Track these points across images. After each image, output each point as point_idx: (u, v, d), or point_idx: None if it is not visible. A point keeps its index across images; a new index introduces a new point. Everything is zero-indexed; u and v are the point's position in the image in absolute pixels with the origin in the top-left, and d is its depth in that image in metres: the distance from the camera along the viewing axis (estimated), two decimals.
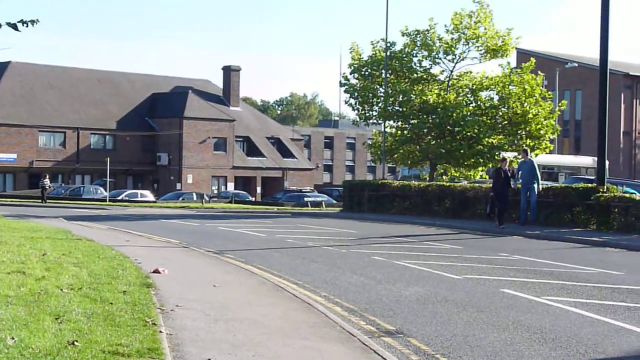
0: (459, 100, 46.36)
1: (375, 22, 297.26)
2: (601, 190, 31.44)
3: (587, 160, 63.25)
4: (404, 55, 47.97)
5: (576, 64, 73.34)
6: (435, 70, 48.88)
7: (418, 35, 47.79)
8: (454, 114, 44.88)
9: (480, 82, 47.27)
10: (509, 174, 32.11)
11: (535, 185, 32.34)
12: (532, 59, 47.90)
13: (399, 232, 30.89)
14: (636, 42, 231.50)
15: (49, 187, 65.24)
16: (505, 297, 14.87)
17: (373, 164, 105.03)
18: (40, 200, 61.29)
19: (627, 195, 31.60)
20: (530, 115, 45.06)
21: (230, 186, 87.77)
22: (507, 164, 33.01)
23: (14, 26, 9.96)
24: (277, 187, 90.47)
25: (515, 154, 45.95)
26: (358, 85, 49.18)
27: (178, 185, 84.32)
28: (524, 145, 45.48)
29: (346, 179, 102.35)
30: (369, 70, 49.12)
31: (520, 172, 32.67)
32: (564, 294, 15.42)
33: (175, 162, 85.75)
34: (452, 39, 47.17)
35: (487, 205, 33.88)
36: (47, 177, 65.95)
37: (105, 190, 68.82)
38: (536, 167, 32.85)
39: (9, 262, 15.78)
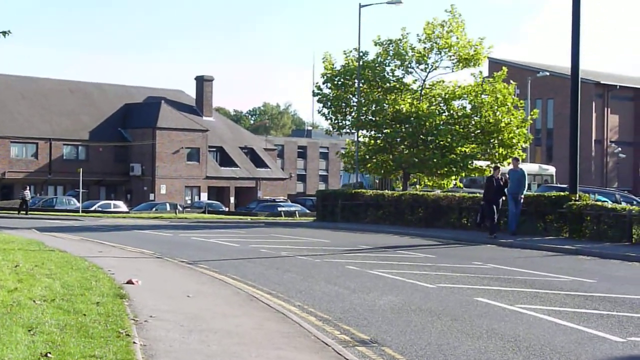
0: (431, 109, 46.47)
1: (348, 32, 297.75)
2: (573, 198, 31.63)
3: (550, 169, 63.59)
4: (377, 65, 48.06)
5: (548, 73, 73.78)
6: (408, 79, 49.06)
7: (390, 45, 47.89)
8: (427, 123, 45.00)
9: (452, 91, 47.40)
10: (501, 183, 31.55)
11: (522, 196, 32.07)
12: (504, 68, 48.11)
13: (372, 242, 30.92)
14: (607, 52, 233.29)
15: (30, 198, 64.32)
16: (479, 305, 14.91)
17: (347, 174, 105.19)
18: (19, 212, 60.80)
19: (599, 203, 31.83)
20: (503, 124, 45.23)
21: (204, 196, 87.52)
22: (500, 172, 32.41)
23: None
24: (250, 197, 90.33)
25: (489, 162, 46.12)
26: (331, 94, 49.22)
27: (151, 196, 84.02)
28: (497, 153, 45.69)
29: (319, 188, 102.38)
30: (342, 80, 49.16)
31: (509, 180, 32.12)
32: (538, 302, 15.48)
33: (148, 172, 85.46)
34: (424, 48, 47.29)
35: (477, 215, 33.21)
36: (28, 188, 65.21)
37: (78, 201, 68.46)
38: (526, 177, 32.63)
39: None
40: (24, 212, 60.41)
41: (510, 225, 32.13)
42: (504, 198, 31.93)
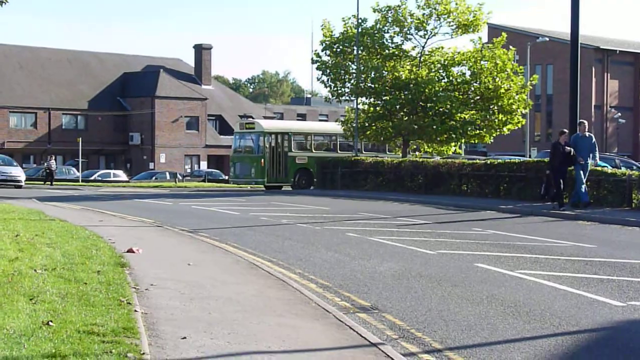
0: (431, 76, 46.35)
1: None
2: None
3: None
4: (376, 32, 47.89)
5: (547, 39, 73.50)
6: (407, 46, 48.90)
7: (389, 11, 47.70)
8: (426, 90, 44.91)
9: (452, 57, 47.27)
10: (568, 149, 28.31)
11: (593, 162, 29.08)
12: (503, 33, 47.94)
13: (372, 209, 30.95)
14: (607, 17, 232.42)
15: (55, 168, 63.45)
16: (479, 271, 14.94)
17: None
18: (45, 183, 60.34)
19: (599, 168, 31.77)
20: (502, 90, 45.14)
21: (203, 165, 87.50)
22: (566, 137, 29.05)
23: None
24: None
25: (489, 128, 46.09)
26: (330, 62, 49.10)
27: (151, 165, 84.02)
28: (497, 120, 45.66)
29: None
30: (341, 47, 49.02)
31: (576, 147, 28.55)
32: (537, 267, 15.51)
33: (147, 141, 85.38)
34: (423, 14, 47.11)
35: (542, 185, 30.19)
36: (54, 157, 64.66)
37: (78, 171, 68.50)
38: (595, 143, 29.23)
39: None
40: (49, 183, 59.79)
41: (583, 196, 28.56)
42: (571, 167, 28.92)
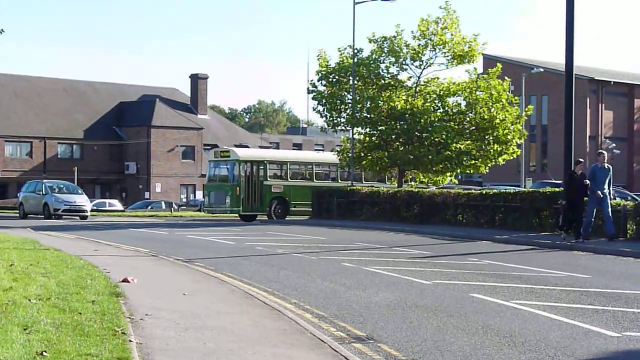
0: (426, 106, 46.51)
1: (343, 30, 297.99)
2: None
3: None
4: (371, 62, 48.05)
5: (542, 69, 73.76)
6: (403, 76, 49.04)
7: (385, 42, 47.88)
8: (422, 120, 45.04)
9: (447, 87, 47.42)
10: (583, 180, 27.62)
11: (611, 193, 28.23)
12: (498, 64, 48.17)
13: (368, 239, 30.93)
14: (601, 48, 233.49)
15: None
16: (475, 301, 14.92)
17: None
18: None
19: None
20: (498, 121, 45.28)
21: (199, 194, 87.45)
22: (581, 167, 28.58)
23: None
24: None
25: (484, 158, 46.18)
26: (326, 92, 49.22)
27: (146, 194, 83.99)
28: (492, 150, 45.77)
29: None
30: (337, 77, 49.18)
31: (594, 178, 27.64)
32: (533, 297, 15.50)
33: (143, 170, 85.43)
34: (419, 45, 47.29)
35: (558, 217, 29.49)
36: None
37: None
38: (611, 174, 28.28)
39: None
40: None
41: (609, 228, 27.53)
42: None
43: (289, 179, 49.84)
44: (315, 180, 50.63)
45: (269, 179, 48.82)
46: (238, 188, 47.13)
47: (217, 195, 48.50)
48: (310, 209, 48.00)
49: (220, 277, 18.13)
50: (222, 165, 49.26)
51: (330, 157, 52.24)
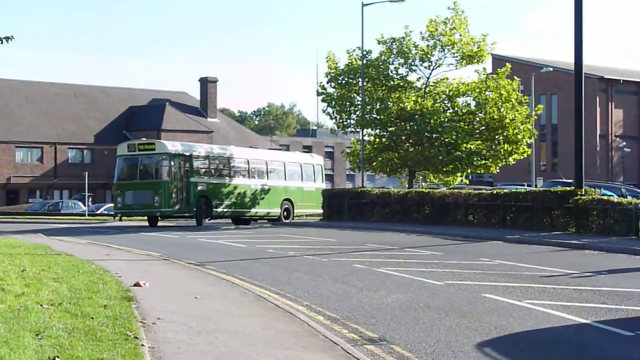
0: (436, 106, 46.45)
1: (351, 31, 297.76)
2: (579, 193, 31.62)
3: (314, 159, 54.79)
4: (381, 63, 48.01)
5: (551, 69, 73.58)
6: (412, 77, 48.97)
7: (394, 43, 47.84)
8: (432, 121, 44.98)
9: (456, 88, 47.36)
10: None
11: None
12: (507, 64, 48.08)
13: (379, 240, 30.90)
14: (610, 46, 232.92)
15: None
16: (487, 301, 14.89)
17: (352, 173, 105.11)
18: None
19: (605, 197, 31.77)
20: (507, 120, 45.20)
21: None
22: None
23: None
24: None
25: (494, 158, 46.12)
26: (335, 94, 49.19)
27: None
28: (502, 150, 45.69)
29: (325, 187, 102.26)
30: (346, 79, 49.14)
31: None
32: (545, 297, 15.46)
33: None
34: (427, 45, 47.25)
35: None
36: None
37: (84, 205, 68.49)
38: None
39: None
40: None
41: None
42: None
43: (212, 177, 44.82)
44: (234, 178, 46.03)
45: (195, 176, 43.46)
46: (169, 186, 41.95)
47: (138, 195, 42.43)
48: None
49: (231, 280, 18.13)
50: (143, 160, 42.92)
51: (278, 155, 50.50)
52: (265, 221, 48.09)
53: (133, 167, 43.02)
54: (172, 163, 42.25)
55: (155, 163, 42.80)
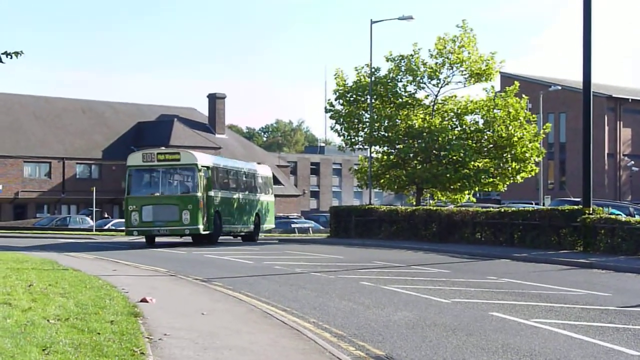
0: (444, 124, 46.49)
1: (360, 49, 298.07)
2: (587, 212, 31.56)
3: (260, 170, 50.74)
4: (389, 81, 48.06)
5: (560, 87, 73.66)
6: (420, 94, 49.00)
7: (402, 61, 47.90)
8: (440, 138, 44.99)
9: (465, 106, 47.40)
10: None
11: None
12: (516, 82, 48.12)
13: (386, 257, 30.87)
14: (619, 65, 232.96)
15: None
16: (494, 320, 14.86)
17: (359, 190, 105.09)
18: None
19: (613, 216, 31.74)
20: (515, 139, 45.20)
21: None
22: None
23: None
24: None
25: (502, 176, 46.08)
26: (343, 111, 49.24)
27: None
28: (510, 168, 45.67)
29: (333, 204, 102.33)
30: (354, 96, 49.19)
31: None
32: (553, 316, 15.42)
33: None
34: (436, 63, 47.30)
35: None
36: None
37: (92, 220, 68.53)
38: None
39: None
40: None
41: None
42: None
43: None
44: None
45: (212, 190, 39.95)
46: (201, 201, 38.45)
47: (162, 211, 38.28)
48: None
49: (238, 296, 18.12)
50: (169, 171, 39.27)
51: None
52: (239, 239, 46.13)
53: (151, 179, 39.17)
54: (201, 175, 38.53)
55: (181, 175, 39.34)
